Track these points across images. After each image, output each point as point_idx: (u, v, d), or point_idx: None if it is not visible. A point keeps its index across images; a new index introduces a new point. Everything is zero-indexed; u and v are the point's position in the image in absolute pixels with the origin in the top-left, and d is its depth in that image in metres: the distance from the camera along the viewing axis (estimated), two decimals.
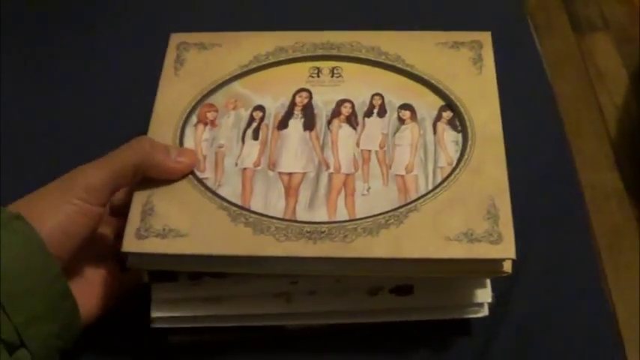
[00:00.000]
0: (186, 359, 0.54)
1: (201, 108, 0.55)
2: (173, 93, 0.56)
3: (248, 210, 0.50)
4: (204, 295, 0.51)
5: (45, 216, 0.47)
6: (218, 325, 0.52)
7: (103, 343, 0.54)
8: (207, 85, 0.56)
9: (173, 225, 0.49)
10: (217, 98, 0.56)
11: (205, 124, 0.55)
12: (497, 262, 0.48)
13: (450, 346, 0.55)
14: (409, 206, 0.49)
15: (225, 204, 0.50)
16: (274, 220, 0.49)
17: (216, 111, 0.55)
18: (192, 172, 0.52)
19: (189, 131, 0.54)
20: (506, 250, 0.47)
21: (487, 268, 0.48)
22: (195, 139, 0.54)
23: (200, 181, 0.51)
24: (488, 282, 0.52)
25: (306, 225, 0.49)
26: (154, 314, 0.51)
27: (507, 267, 0.48)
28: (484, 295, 0.52)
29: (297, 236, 0.48)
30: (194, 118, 0.55)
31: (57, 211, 0.48)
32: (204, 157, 0.53)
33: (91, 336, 0.53)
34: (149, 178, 0.51)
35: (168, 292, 0.51)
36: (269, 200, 0.50)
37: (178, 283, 0.51)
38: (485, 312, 0.53)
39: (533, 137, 0.65)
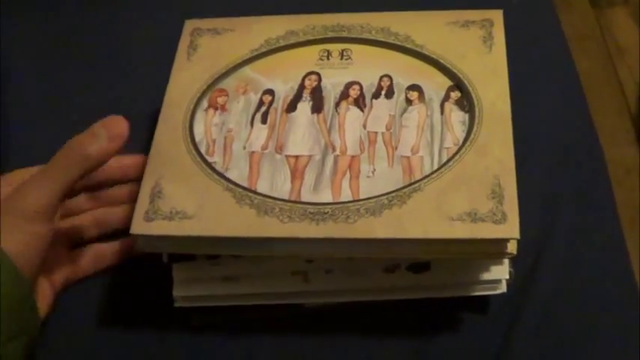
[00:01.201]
0: (209, 339, 0.55)
1: (212, 93, 0.56)
2: (185, 78, 0.57)
3: (253, 192, 0.50)
4: (224, 274, 0.53)
5: (3, 242, 0.47)
6: (238, 304, 0.53)
7: (128, 325, 0.56)
8: (219, 70, 0.57)
9: (180, 207, 0.50)
10: (228, 83, 0.57)
11: (216, 108, 0.55)
12: (502, 243, 0.48)
13: (470, 324, 0.54)
14: (413, 186, 0.49)
15: (231, 186, 0.51)
16: (279, 202, 0.50)
17: (227, 95, 0.56)
18: (201, 156, 0.53)
19: (199, 115, 0.55)
20: (510, 230, 0.47)
21: (491, 249, 0.48)
22: (206, 123, 0.55)
23: (208, 164, 0.52)
24: (506, 259, 0.52)
25: (309, 206, 0.49)
26: (176, 293, 0.53)
27: (512, 248, 0.48)
28: (502, 271, 0.52)
29: (301, 217, 0.49)
30: (205, 103, 0.56)
31: (12, 239, 0.47)
32: (214, 141, 0.54)
33: (115, 319, 0.56)
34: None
35: (189, 272, 0.53)
36: (275, 183, 0.51)
37: (197, 263, 0.52)
38: (503, 289, 0.52)
39: (556, 114, 0.64)
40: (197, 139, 0.54)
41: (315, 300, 0.54)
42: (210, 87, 0.56)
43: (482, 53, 0.55)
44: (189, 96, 0.56)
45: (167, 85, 0.57)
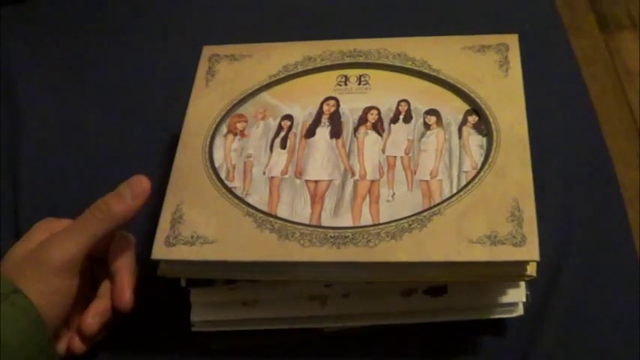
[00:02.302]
0: None
1: (231, 118, 0.57)
2: (204, 104, 0.58)
3: (274, 216, 0.51)
4: (242, 298, 0.53)
5: (29, 292, 0.49)
6: (256, 329, 0.53)
7: (146, 348, 0.56)
8: (237, 96, 0.58)
9: (201, 232, 0.50)
10: (247, 108, 0.57)
11: (235, 134, 0.56)
12: (521, 265, 0.48)
13: (487, 347, 0.54)
14: (433, 210, 0.49)
15: (251, 211, 0.51)
16: (299, 226, 0.50)
17: (246, 121, 0.57)
18: (221, 181, 0.53)
19: (218, 141, 0.56)
20: (529, 252, 0.47)
21: (511, 271, 0.48)
22: (225, 149, 0.55)
23: (228, 189, 0.53)
24: (522, 282, 0.52)
25: (330, 230, 0.49)
26: (194, 318, 0.53)
27: (532, 270, 0.48)
28: (518, 294, 0.52)
29: (322, 241, 0.49)
30: (224, 128, 0.56)
31: (37, 289, 0.49)
32: (234, 167, 0.54)
33: (134, 344, 0.56)
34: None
35: (207, 296, 0.53)
36: (295, 207, 0.51)
37: (215, 288, 0.52)
38: (520, 311, 0.52)
39: (570, 135, 0.65)
40: (217, 164, 0.54)
41: (333, 324, 0.54)
42: (229, 113, 0.57)
43: (499, 77, 0.55)
44: (208, 122, 0.56)
45: (185, 110, 0.57)
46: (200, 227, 0.51)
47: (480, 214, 0.48)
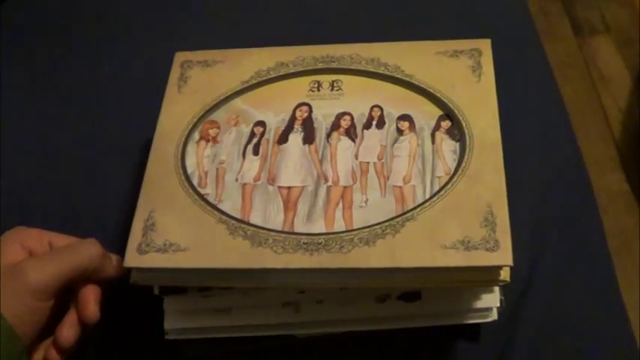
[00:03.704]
0: None
1: (203, 125, 0.56)
2: (176, 110, 0.57)
3: (247, 223, 0.50)
4: (215, 306, 0.53)
5: (3, 307, 0.48)
6: (230, 336, 0.53)
7: (120, 357, 0.56)
8: (210, 102, 0.57)
9: (173, 239, 0.50)
10: (219, 115, 0.57)
11: (207, 140, 0.56)
12: (495, 270, 0.48)
13: (461, 352, 0.55)
14: (406, 215, 0.49)
15: (224, 217, 0.51)
16: (272, 233, 0.50)
17: (218, 127, 0.56)
18: (193, 188, 0.53)
19: (191, 148, 0.55)
20: (503, 257, 0.47)
21: (484, 276, 0.48)
22: (197, 155, 0.55)
23: (201, 196, 0.52)
24: (496, 287, 0.52)
25: (303, 237, 0.49)
26: (168, 326, 0.53)
27: (505, 275, 0.48)
28: (492, 299, 0.52)
29: (295, 248, 0.49)
30: (196, 135, 0.56)
31: (12, 306, 0.48)
32: (206, 173, 0.54)
33: (108, 351, 0.55)
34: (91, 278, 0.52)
35: (180, 304, 0.53)
36: (268, 214, 0.51)
37: (188, 295, 0.52)
38: (494, 317, 0.53)
39: (544, 140, 0.65)
40: (189, 171, 0.54)
41: (307, 331, 0.54)
42: (201, 119, 0.57)
43: (472, 82, 0.55)
44: (180, 128, 0.56)
45: (158, 117, 0.57)
46: (173, 234, 0.50)
47: (453, 220, 0.48)
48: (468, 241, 0.47)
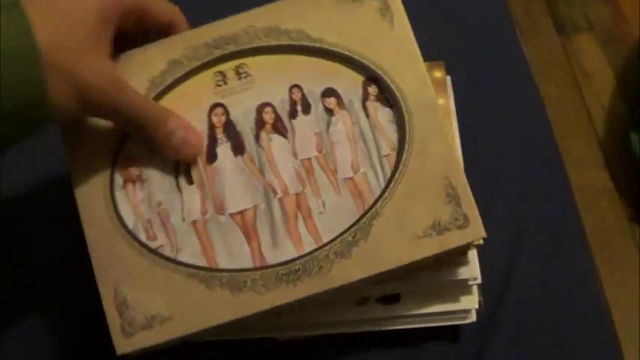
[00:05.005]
0: None
1: (120, 165, 0.51)
2: (83, 154, 0.51)
3: (217, 270, 0.49)
4: None
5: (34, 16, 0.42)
6: (212, 339, 0.53)
7: None
8: (115, 135, 0.51)
9: (154, 310, 0.48)
10: (132, 148, 0.51)
11: (133, 182, 0.51)
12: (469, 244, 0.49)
13: (440, 353, 0.56)
14: (370, 213, 0.48)
15: (192, 271, 0.49)
16: (247, 272, 0.48)
17: (138, 162, 0.51)
18: (144, 245, 0.49)
19: (120, 197, 0.50)
20: (475, 231, 0.48)
21: (460, 248, 0.49)
22: (131, 203, 0.50)
23: (156, 252, 0.49)
24: (475, 288, 0.54)
25: (279, 268, 0.48)
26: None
27: (478, 240, 0.49)
28: (471, 301, 0.53)
29: (275, 283, 0.48)
30: (119, 179, 0.51)
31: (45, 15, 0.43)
32: (149, 222, 0.50)
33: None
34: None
35: None
36: (232, 250, 0.49)
37: None
38: (472, 318, 0.54)
39: (523, 140, 0.63)
40: (130, 225, 0.50)
41: (288, 333, 0.54)
42: (115, 159, 0.51)
43: (386, 31, 0.51)
44: (97, 176, 0.50)
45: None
46: (150, 306, 0.48)
47: (417, 205, 0.48)
48: (439, 224, 0.48)
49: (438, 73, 0.56)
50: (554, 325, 0.57)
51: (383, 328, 0.54)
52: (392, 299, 0.53)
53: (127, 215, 0.50)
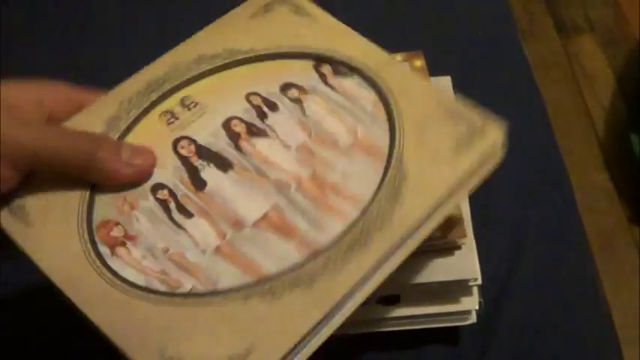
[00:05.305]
0: None
1: (98, 233, 0.41)
2: (49, 235, 0.41)
3: (271, 278, 0.39)
4: None
5: None
6: None
7: None
8: (80, 203, 0.42)
9: (224, 355, 0.37)
10: (103, 210, 0.42)
11: (122, 244, 0.41)
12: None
13: (440, 355, 0.54)
14: (394, 158, 0.43)
15: (246, 292, 0.39)
16: (308, 264, 0.39)
17: (117, 224, 0.42)
18: (174, 295, 0.39)
19: (116, 265, 0.40)
20: (494, 131, 0.46)
21: (488, 158, 0.46)
22: (132, 265, 0.40)
23: (191, 295, 0.39)
24: (475, 289, 0.52)
25: (344, 238, 0.40)
26: None
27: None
28: (471, 302, 0.52)
29: (346, 255, 0.40)
30: (104, 249, 0.41)
31: None
32: (164, 273, 0.40)
33: None
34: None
35: None
36: (274, 253, 0.40)
37: None
38: (473, 319, 0.52)
39: (524, 141, 0.63)
40: (142, 284, 0.39)
41: None
42: (89, 228, 0.41)
43: (309, 24, 0.49)
44: (80, 260, 0.40)
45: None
46: (213, 354, 0.37)
47: (430, 136, 0.44)
48: (460, 140, 0.44)
49: (418, 62, 0.56)
50: (555, 326, 0.56)
51: (383, 330, 0.52)
52: (392, 300, 0.50)
53: (134, 277, 0.40)
